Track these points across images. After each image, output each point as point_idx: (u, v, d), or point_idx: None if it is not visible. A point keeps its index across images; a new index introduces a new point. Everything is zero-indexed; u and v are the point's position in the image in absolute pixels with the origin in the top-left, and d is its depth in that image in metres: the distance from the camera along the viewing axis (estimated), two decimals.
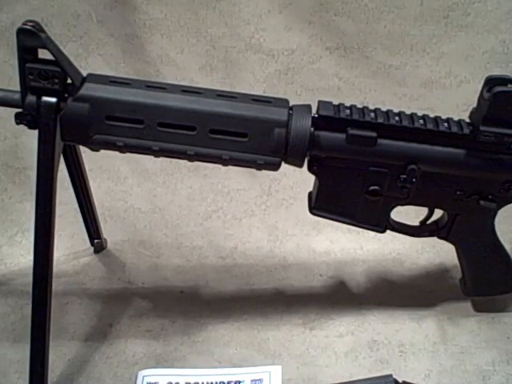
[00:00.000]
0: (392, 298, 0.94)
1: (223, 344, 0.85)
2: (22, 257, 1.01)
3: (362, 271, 1.00)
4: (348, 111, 0.74)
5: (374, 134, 0.74)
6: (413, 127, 0.74)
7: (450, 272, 0.99)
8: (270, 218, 1.10)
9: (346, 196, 0.79)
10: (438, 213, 0.86)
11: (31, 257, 0.72)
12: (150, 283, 0.97)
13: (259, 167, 0.74)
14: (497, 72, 0.97)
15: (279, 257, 1.04)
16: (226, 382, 0.76)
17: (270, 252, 1.05)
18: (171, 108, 0.70)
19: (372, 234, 0.84)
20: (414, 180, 0.77)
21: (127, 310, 0.91)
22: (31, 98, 0.69)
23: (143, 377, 0.77)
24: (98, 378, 0.80)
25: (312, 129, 0.73)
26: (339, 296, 0.94)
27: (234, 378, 0.76)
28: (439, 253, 1.02)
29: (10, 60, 1.04)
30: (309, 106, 0.75)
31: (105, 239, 1.03)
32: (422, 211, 0.87)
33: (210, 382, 0.76)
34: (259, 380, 0.76)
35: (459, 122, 0.76)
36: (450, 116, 0.77)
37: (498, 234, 0.86)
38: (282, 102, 0.74)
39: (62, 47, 0.70)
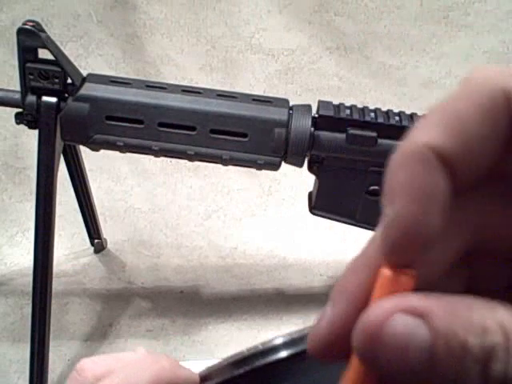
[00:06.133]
0: None
1: (223, 344, 0.85)
2: (22, 257, 1.00)
3: None
4: (348, 111, 0.74)
5: (374, 134, 0.74)
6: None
7: None
8: (270, 218, 1.10)
9: (346, 196, 0.79)
10: None
11: (31, 257, 0.72)
12: (150, 283, 0.97)
13: (259, 167, 0.74)
14: None
15: (279, 257, 1.04)
16: None
17: (269, 252, 1.05)
18: (171, 108, 0.70)
19: (372, 233, 0.84)
20: None
21: (127, 310, 0.91)
22: (31, 98, 0.69)
23: None
24: None
25: (312, 129, 0.73)
26: None
27: None
28: None
29: (10, 60, 1.04)
30: (309, 106, 0.74)
31: (105, 239, 1.03)
32: None
33: None
34: None
35: None
36: None
37: None
38: (282, 102, 0.74)
39: (62, 47, 0.70)
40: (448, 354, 0.14)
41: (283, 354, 0.21)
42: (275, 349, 0.21)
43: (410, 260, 0.15)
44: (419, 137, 0.15)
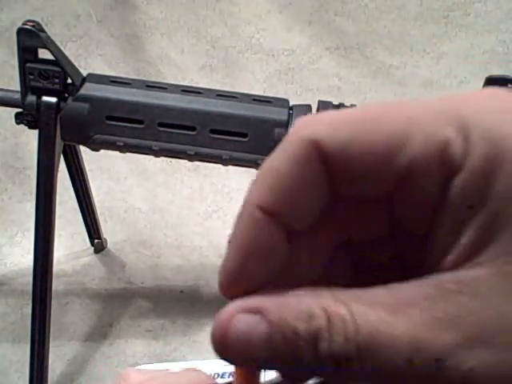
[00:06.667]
0: None
1: None
2: (22, 257, 1.01)
3: None
4: None
5: None
6: None
7: None
8: None
9: None
10: None
11: (31, 257, 0.73)
12: (150, 283, 0.97)
13: (259, 167, 0.74)
14: (497, 72, 0.97)
15: None
16: (220, 373, 0.76)
17: None
18: (171, 108, 0.70)
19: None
20: None
21: (127, 310, 0.91)
22: (31, 98, 0.69)
23: None
24: (97, 377, 0.80)
25: None
26: None
27: (228, 369, 0.76)
28: None
29: (10, 60, 1.04)
30: (309, 106, 0.74)
31: (105, 239, 1.03)
32: None
33: None
34: None
35: None
36: None
37: None
38: (282, 102, 0.74)
39: (62, 47, 0.70)
40: (283, 339, 0.17)
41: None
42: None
43: (240, 295, 0.18)
44: (249, 196, 0.18)
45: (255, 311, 0.17)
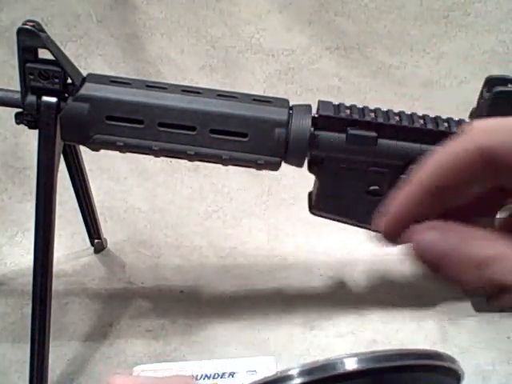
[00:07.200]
0: (392, 298, 0.94)
1: (223, 344, 0.85)
2: (22, 257, 1.01)
3: (362, 271, 1.00)
4: (348, 111, 0.74)
5: (375, 134, 0.74)
6: (413, 127, 0.74)
7: None
8: (270, 218, 1.10)
9: (346, 196, 0.79)
10: None
11: (31, 257, 0.72)
12: (150, 283, 0.97)
13: (259, 167, 0.74)
14: (497, 72, 0.97)
15: (279, 257, 1.04)
16: (220, 373, 0.76)
17: (270, 252, 1.05)
18: (171, 108, 0.70)
19: (372, 233, 0.83)
20: None
21: (127, 310, 0.91)
22: (31, 98, 0.69)
23: (138, 373, 0.77)
24: (97, 377, 0.80)
25: (312, 129, 0.73)
26: (339, 296, 0.95)
27: (228, 369, 0.76)
28: None
29: (10, 60, 1.04)
30: (309, 106, 0.74)
31: (105, 239, 1.03)
32: None
33: (203, 374, 0.76)
34: (253, 371, 0.76)
35: (459, 122, 0.76)
36: (450, 116, 0.77)
37: None
38: (282, 102, 0.74)
39: (62, 47, 0.70)
40: (455, 257, 0.22)
41: (297, 381, 0.24)
42: (291, 376, 0.24)
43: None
44: (421, 172, 0.23)
45: (442, 230, 0.22)
